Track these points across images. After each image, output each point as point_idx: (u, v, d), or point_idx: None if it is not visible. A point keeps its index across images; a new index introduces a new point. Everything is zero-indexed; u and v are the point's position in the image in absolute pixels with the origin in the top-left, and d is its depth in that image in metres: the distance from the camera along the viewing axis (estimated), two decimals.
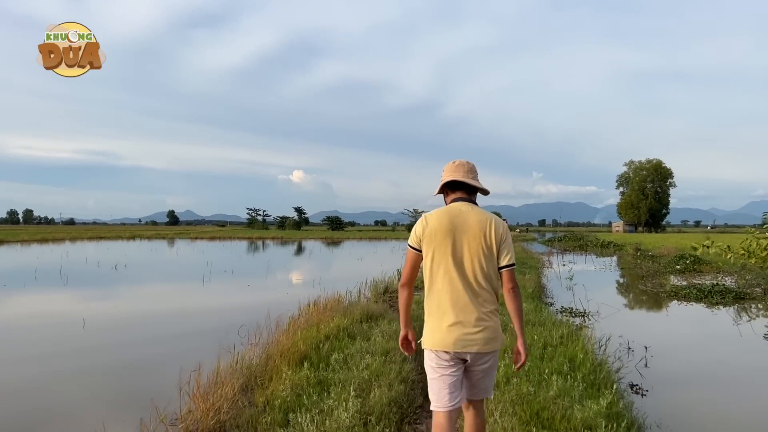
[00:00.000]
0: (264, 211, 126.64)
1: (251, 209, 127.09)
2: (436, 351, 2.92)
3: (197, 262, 26.18)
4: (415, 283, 3.12)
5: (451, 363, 2.91)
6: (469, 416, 3.09)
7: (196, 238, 67.15)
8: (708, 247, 23.53)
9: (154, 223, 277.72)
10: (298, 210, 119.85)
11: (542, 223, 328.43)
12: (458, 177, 3.05)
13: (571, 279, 13.76)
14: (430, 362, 2.97)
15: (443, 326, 2.89)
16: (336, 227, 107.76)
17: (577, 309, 11.16)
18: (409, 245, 3.07)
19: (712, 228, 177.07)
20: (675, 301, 13.10)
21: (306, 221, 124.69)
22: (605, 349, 6.85)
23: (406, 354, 3.18)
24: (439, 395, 2.92)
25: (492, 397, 3.50)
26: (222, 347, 6.87)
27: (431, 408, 2.96)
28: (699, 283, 15.46)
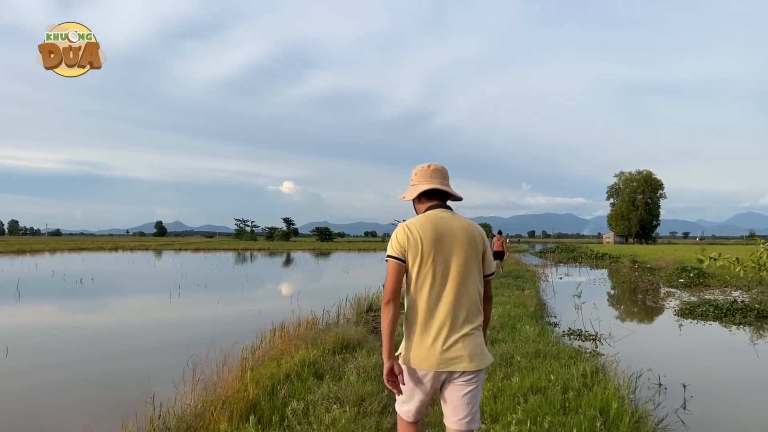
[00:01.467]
0: (252, 221, 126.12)
1: (239, 220, 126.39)
2: (413, 369, 2.68)
3: (172, 274, 24.60)
4: (399, 299, 2.72)
5: (428, 387, 2.69)
6: None
7: (180, 249, 65.59)
8: (715, 259, 22.34)
9: (142, 234, 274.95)
10: (287, 221, 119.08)
11: (532, 234, 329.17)
12: (436, 185, 2.84)
13: (579, 296, 12.38)
14: (410, 379, 2.71)
15: (426, 343, 2.64)
16: (325, 238, 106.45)
17: (586, 331, 9.78)
18: (390, 256, 2.74)
19: (701, 239, 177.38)
20: (690, 320, 11.74)
21: (295, 232, 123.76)
22: (636, 390, 5.47)
23: (395, 392, 2.74)
24: (406, 408, 2.77)
25: (479, 426, 2.86)
26: (145, 394, 5.38)
27: (396, 408, 2.84)
28: (712, 299, 14.17)
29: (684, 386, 6.18)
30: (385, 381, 2.70)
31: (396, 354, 2.74)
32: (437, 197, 2.87)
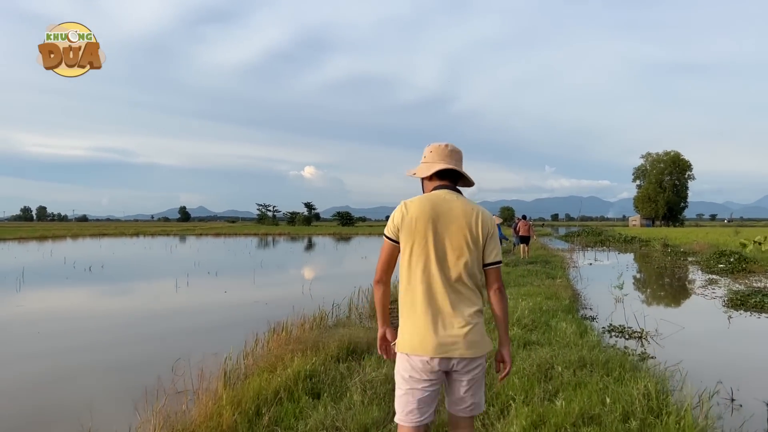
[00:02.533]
0: (274, 207, 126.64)
1: (261, 205, 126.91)
2: (409, 357, 2.55)
3: (186, 261, 23.83)
4: (391, 279, 2.72)
5: (425, 377, 2.54)
6: None
7: (201, 234, 65.43)
8: (759, 243, 20.92)
9: (167, 219, 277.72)
10: (308, 205, 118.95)
11: (555, 217, 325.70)
12: (452, 165, 2.70)
13: (621, 288, 11.18)
14: (401, 371, 2.59)
15: (421, 328, 2.53)
16: (346, 223, 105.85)
17: (629, 327, 8.65)
18: (384, 235, 2.68)
19: (729, 221, 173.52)
20: (743, 312, 10.52)
21: (316, 217, 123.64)
22: (706, 411, 4.37)
23: (385, 357, 2.81)
24: (405, 410, 2.57)
25: (482, 410, 2.72)
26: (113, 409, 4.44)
27: (395, 420, 2.63)
28: (764, 288, 12.91)
29: (767, 405, 5.05)
30: (378, 347, 2.76)
31: (392, 343, 2.70)
32: (448, 178, 2.74)
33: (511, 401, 4.30)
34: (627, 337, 8.22)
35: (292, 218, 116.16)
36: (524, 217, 22.37)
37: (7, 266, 20.81)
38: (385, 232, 2.68)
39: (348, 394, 4.47)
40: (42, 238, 52.20)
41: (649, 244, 35.93)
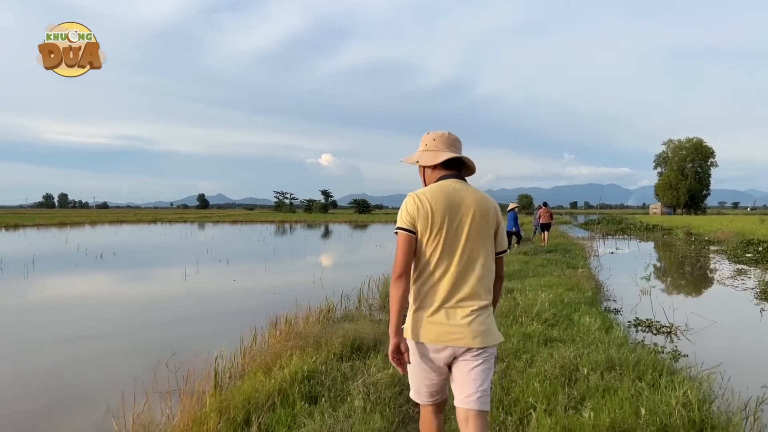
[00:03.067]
0: (291, 194, 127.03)
1: (278, 192, 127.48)
2: (417, 344, 2.56)
3: (199, 248, 23.59)
4: (410, 273, 2.56)
5: (432, 363, 2.57)
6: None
7: (218, 221, 65.47)
8: None
9: (185, 206, 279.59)
10: (325, 193, 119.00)
11: (574, 205, 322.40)
12: (458, 154, 2.69)
13: (648, 279, 10.59)
14: (416, 355, 2.58)
15: (431, 316, 2.52)
16: (363, 210, 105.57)
17: (657, 322, 8.10)
18: (399, 228, 2.56)
19: (752, 209, 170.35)
20: None
21: (333, 204, 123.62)
22: (759, 428, 3.85)
23: (400, 371, 2.63)
24: (420, 390, 2.65)
25: (488, 408, 2.57)
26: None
27: (412, 397, 2.71)
28: None
29: None
30: (390, 358, 2.61)
31: (401, 327, 2.62)
32: (454, 167, 2.71)
33: (531, 410, 3.82)
34: (655, 332, 7.67)
35: (309, 206, 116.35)
36: (545, 204, 22.17)
37: (21, 252, 20.68)
38: (400, 224, 2.58)
39: (349, 399, 4.01)
40: (60, 224, 52.42)
41: (672, 233, 35.06)
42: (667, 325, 7.88)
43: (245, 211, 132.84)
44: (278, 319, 6.43)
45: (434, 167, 2.70)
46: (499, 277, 2.71)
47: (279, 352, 5.07)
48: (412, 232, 2.55)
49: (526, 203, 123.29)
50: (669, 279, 14.61)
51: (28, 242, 27.90)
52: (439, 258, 2.53)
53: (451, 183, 2.63)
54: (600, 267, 15.00)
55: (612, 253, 21.67)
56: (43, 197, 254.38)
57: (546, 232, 20.93)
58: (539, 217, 21.45)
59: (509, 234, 20.05)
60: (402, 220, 2.58)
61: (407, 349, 2.58)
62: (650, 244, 27.75)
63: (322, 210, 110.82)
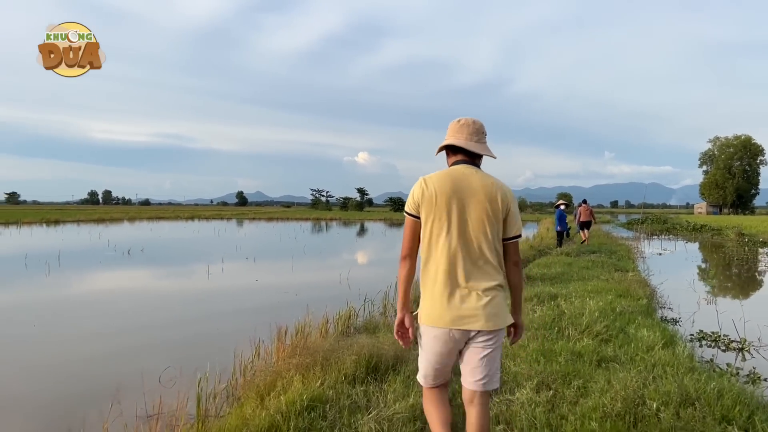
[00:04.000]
0: (327, 192, 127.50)
1: (315, 190, 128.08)
2: (429, 328, 2.60)
3: (228, 245, 23.12)
4: (416, 254, 2.69)
5: (443, 347, 2.60)
6: (471, 413, 2.69)
7: (254, 218, 65.60)
8: None
9: (225, 203, 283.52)
10: (361, 191, 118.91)
11: (615, 204, 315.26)
12: (460, 141, 2.72)
13: (713, 284, 9.49)
14: (427, 337, 2.63)
15: (441, 301, 2.56)
16: (398, 208, 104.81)
17: (725, 336, 7.05)
18: (406, 212, 2.71)
19: None
20: None
21: (369, 202, 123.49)
22: None
23: (402, 344, 2.76)
24: (427, 372, 2.71)
25: (498, 387, 2.87)
26: None
27: (419, 380, 2.78)
28: None
29: None
30: (395, 332, 2.73)
31: (414, 313, 2.72)
32: (465, 153, 2.73)
33: None
34: (723, 348, 6.65)
35: (345, 203, 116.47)
36: (584, 202, 21.60)
37: (52, 248, 20.49)
38: (406, 209, 2.69)
39: None
40: (99, 220, 53.05)
41: (722, 233, 33.25)
42: (738, 340, 6.84)
43: (282, 209, 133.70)
44: (287, 328, 5.64)
45: (448, 154, 2.79)
46: (513, 262, 2.71)
47: (281, 371, 4.28)
48: (416, 216, 2.65)
49: (566, 201, 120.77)
50: (728, 284, 13.35)
51: (62, 238, 27.91)
52: (444, 242, 2.58)
53: (461, 168, 2.68)
54: (649, 270, 13.86)
55: (660, 254, 20.39)
56: (88, 194, 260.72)
57: (586, 230, 20.30)
58: (579, 215, 20.79)
59: (557, 233, 19.02)
60: (408, 204, 2.69)
61: (411, 324, 2.69)
62: (699, 245, 26.20)
63: (357, 208, 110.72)
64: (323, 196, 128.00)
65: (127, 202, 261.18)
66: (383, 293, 8.43)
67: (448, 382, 2.80)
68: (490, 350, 2.59)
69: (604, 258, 14.52)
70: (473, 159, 2.73)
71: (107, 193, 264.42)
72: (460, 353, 2.65)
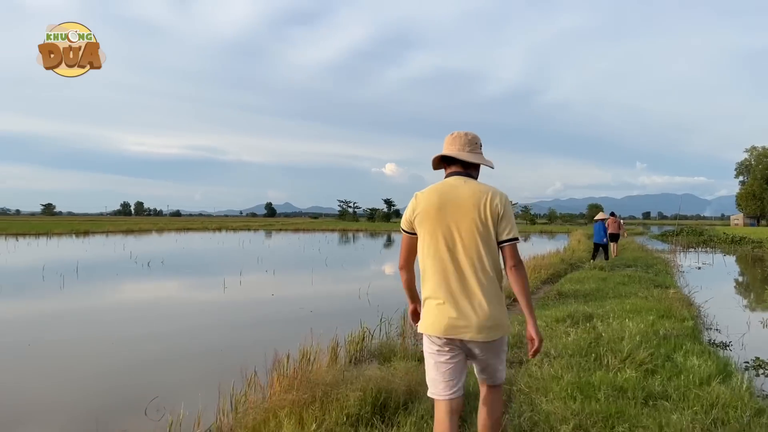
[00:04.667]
0: (355, 203, 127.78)
1: (342, 201, 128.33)
2: (429, 336, 2.68)
3: (250, 257, 22.71)
4: (413, 265, 2.88)
5: (446, 350, 2.64)
6: (482, 399, 2.84)
7: (280, 229, 65.53)
8: None
9: (254, 214, 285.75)
10: (388, 202, 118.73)
11: (647, 215, 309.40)
12: (453, 152, 2.78)
13: (764, 306, 8.66)
14: (426, 347, 2.74)
15: (436, 311, 2.62)
16: None
17: None
18: (402, 229, 2.83)
19: None
20: None
21: (396, 213, 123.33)
22: None
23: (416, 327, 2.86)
24: (435, 383, 2.69)
25: (503, 380, 2.86)
26: None
27: (428, 394, 2.76)
28: None
29: None
30: (411, 318, 2.97)
31: (416, 325, 2.83)
32: (460, 164, 2.79)
33: None
34: None
35: (372, 214, 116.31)
36: (613, 215, 20.96)
37: (74, 259, 20.32)
38: (401, 225, 2.81)
39: None
40: (128, 231, 53.42)
41: (762, 246, 31.82)
42: None
43: (309, 220, 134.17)
44: (290, 353, 5.05)
45: (446, 167, 2.83)
46: (511, 266, 2.67)
47: (275, 409, 3.70)
48: (410, 233, 2.76)
49: (596, 213, 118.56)
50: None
51: (86, 249, 27.90)
52: (436, 254, 2.63)
53: (451, 180, 2.74)
54: (688, 285, 12.96)
55: (699, 268, 19.36)
56: (121, 205, 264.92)
57: (614, 244, 19.70)
58: (607, 227, 20.11)
59: (596, 246, 18.05)
60: (402, 221, 2.79)
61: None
62: (737, 259, 24.97)
63: (384, 219, 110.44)
64: (350, 207, 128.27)
65: (158, 213, 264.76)
66: (402, 311, 7.81)
67: (461, 404, 2.73)
68: (492, 353, 2.68)
69: (640, 273, 13.68)
70: (468, 170, 2.78)
71: (139, 205, 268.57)
72: (466, 359, 2.72)
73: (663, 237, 46.40)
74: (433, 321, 2.60)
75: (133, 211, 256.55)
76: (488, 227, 2.62)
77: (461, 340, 2.59)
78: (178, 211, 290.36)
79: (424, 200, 2.69)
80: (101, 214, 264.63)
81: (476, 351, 2.65)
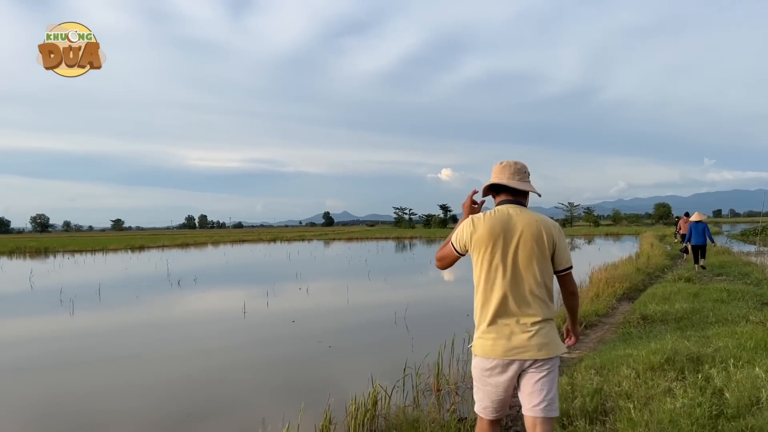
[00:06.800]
0: (410, 209, 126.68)
1: (398, 208, 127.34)
2: (483, 359, 2.72)
3: (291, 271, 21.18)
4: (444, 267, 3.03)
5: (497, 378, 2.69)
6: None
7: (333, 239, 64.44)
8: None
9: (313, 224, 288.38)
10: (444, 207, 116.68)
11: (717, 213, 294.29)
12: (503, 180, 2.87)
13: None
14: (476, 371, 2.79)
15: (493, 335, 2.68)
16: None
17: None
18: (451, 243, 2.87)
19: None
20: None
21: (453, 219, 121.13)
22: None
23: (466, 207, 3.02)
24: (481, 405, 2.80)
25: (557, 415, 2.77)
26: None
27: (475, 409, 2.85)
28: None
29: None
30: (467, 205, 2.99)
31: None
32: (507, 191, 2.87)
33: None
34: None
35: (428, 221, 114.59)
36: (686, 215, 18.64)
37: (107, 278, 19.36)
38: (453, 241, 2.87)
39: None
40: (183, 245, 53.27)
41: None
42: None
43: (365, 228, 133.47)
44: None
45: (495, 194, 2.93)
46: (570, 293, 2.88)
47: None
48: (459, 253, 2.87)
49: (663, 213, 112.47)
50: None
51: (126, 266, 27.10)
52: (494, 280, 2.70)
53: (506, 209, 2.81)
54: None
55: None
56: (186, 219, 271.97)
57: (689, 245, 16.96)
58: (680, 229, 17.89)
59: (695, 248, 15.12)
60: (455, 238, 2.85)
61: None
62: None
63: (440, 225, 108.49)
64: (406, 213, 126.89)
65: (221, 226, 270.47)
66: (437, 353, 5.87)
67: (502, 418, 2.84)
68: (545, 374, 2.66)
69: (739, 285, 11.19)
70: (517, 198, 2.86)
71: (203, 218, 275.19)
72: (518, 384, 2.71)
73: (743, 236, 42.54)
74: (492, 345, 2.67)
75: (197, 224, 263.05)
76: (546, 256, 2.73)
77: (519, 362, 2.64)
78: (240, 223, 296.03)
79: (482, 226, 2.75)
80: (168, 228, 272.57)
81: (534, 370, 2.66)
